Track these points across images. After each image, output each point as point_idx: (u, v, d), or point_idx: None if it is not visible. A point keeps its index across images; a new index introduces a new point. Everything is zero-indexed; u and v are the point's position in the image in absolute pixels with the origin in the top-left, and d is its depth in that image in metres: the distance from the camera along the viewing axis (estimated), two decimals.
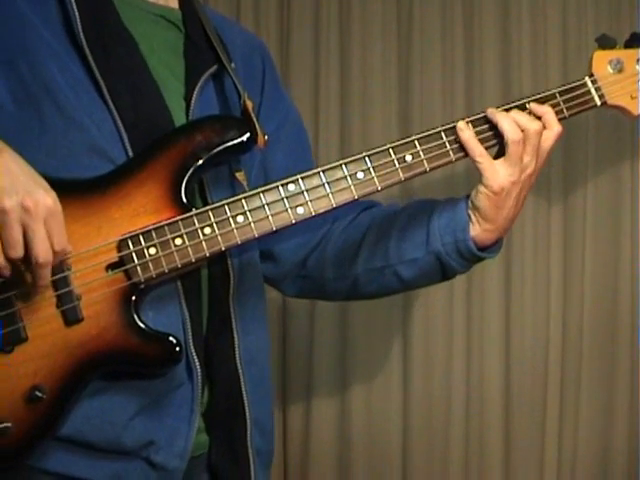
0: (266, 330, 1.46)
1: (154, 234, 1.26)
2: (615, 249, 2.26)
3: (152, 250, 1.26)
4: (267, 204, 1.30)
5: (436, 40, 2.28)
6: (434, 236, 1.40)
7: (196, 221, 1.27)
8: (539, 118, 1.37)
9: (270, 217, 1.30)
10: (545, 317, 2.27)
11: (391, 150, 1.34)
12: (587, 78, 1.42)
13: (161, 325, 1.26)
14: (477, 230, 1.38)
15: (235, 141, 1.31)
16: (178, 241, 1.27)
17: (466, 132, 1.35)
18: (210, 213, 1.28)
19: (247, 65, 1.51)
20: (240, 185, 1.39)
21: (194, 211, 1.27)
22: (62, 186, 1.23)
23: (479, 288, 2.28)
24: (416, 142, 1.35)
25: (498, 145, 1.37)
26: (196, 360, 1.30)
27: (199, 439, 1.34)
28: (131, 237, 1.25)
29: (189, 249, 1.27)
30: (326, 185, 1.32)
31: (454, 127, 1.36)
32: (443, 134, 1.36)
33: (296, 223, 1.31)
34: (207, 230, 1.28)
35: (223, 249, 1.28)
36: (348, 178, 1.33)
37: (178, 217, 1.27)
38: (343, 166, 1.33)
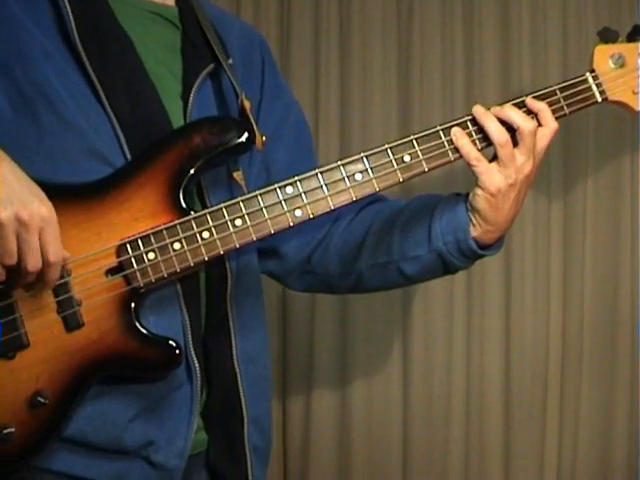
0: (264, 330, 1.47)
1: (153, 239, 1.26)
2: (615, 247, 2.25)
3: (151, 255, 1.26)
4: (265, 207, 1.30)
5: (436, 39, 2.26)
6: (436, 236, 1.40)
7: (194, 225, 1.27)
8: (535, 115, 1.35)
9: (268, 220, 1.30)
10: (545, 315, 2.28)
11: (389, 150, 1.33)
12: (588, 74, 1.40)
13: (161, 328, 1.27)
14: (478, 231, 1.37)
15: (233, 143, 1.30)
16: (177, 245, 1.27)
17: (461, 139, 1.34)
18: (208, 217, 1.28)
19: (246, 60, 1.50)
20: (238, 185, 1.38)
21: (192, 215, 1.28)
22: (60, 191, 1.24)
23: (479, 285, 2.28)
24: (414, 142, 1.34)
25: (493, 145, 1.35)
26: (195, 362, 1.32)
27: (198, 437, 1.36)
28: (130, 242, 1.26)
29: (188, 253, 1.27)
30: (324, 187, 1.32)
31: (452, 126, 1.35)
32: (442, 133, 1.35)
33: (294, 226, 1.31)
34: (205, 234, 1.28)
35: (222, 253, 1.29)
36: (346, 180, 1.32)
37: (176, 221, 1.27)
38: (341, 167, 1.32)
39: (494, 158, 1.35)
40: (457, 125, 1.35)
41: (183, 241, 1.27)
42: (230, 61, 1.43)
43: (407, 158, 1.34)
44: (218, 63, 1.41)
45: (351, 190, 1.32)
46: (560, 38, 2.23)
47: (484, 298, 2.29)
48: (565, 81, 1.39)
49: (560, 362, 2.28)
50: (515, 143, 1.34)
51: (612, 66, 1.40)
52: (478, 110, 1.35)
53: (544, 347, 2.28)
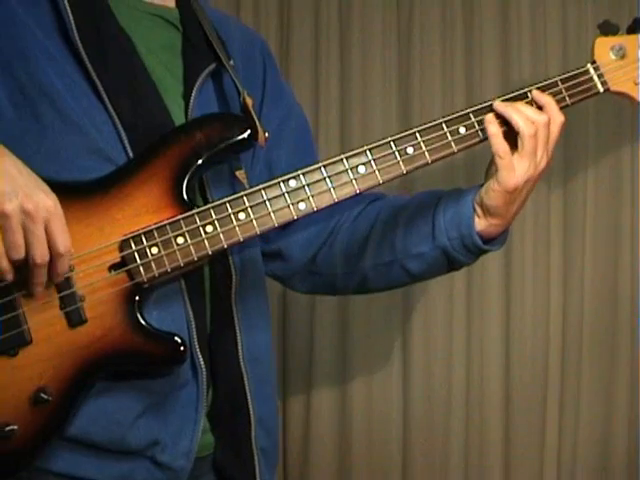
0: (269, 329, 1.45)
1: (156, 233, 1.26)
2: (615, 247, 2.24)
3: (154, 250, 1.25)
4: (268, 200, 1.29)
5: (436, 40, 2.26)
6: (439, 231, 1.39)
7: (198, 219, 1.27)
8: (540, 108, 1.35)
9: (272, 213, 1.29)
10: (545, 314, 2.26)
11: (392, 143, 1.33)
12: (589, 65, 1.40)
13: (166, 324, 1.26)
14: (483, 224, 1.37)
15: (235, 139, 1.30)
16: (180, 240, 1.26)
17: (493, 127, 1.33)
18: (211, 211, 1.27)
19: (247, 61, 1.51)
20: (240, 183, 1.38)
21: (195, 209, 1.27)
22: (63, 189, 1.23)
23: (479, 285, 2.27)
24: (417, 134, 1.34)
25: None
26: (201, 359, 1.30)
27: (205, 440, 1.34)
28: (133, 237, 1.25)
29: (191, 247, 1.26)
30: (327, 180, 1.31)
31: (455, 118, 1.34)
32: (444, 125, 1.35)
33: (298, 219, 1.30)
34: (209, 228, 1.27)
35: (225, 247, 1.28)
36: (349, 172, 1.32)
37: (180, 216, 1.26)
38: (344, 160, 1.32)
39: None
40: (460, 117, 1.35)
41: (186, 235, 1.26)
42: (232, 62, 1.44)
43: (410, 150, 1.33)
44: (219, 63, 1.41)
45: (354, 182, 1.32)
46: (560, 38, 2.23)
47: (484, 297, 2.27)
48: (567, 72, 1.39)
49: (560, 361, 2.25)
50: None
51: (613, 57, 1.41)
52: (500, 105, 1.34)
53: (544, 346, 2.25)
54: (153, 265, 1.25)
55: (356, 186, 1.32)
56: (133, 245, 1.25)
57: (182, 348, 1.25)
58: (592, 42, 1.42)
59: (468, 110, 1.36)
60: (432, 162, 1.34)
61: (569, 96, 1.38)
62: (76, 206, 1.25)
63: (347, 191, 1.32)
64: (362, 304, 2.26)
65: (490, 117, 1.34)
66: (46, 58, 1.28)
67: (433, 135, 1.34)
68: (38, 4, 1.31)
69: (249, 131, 1.31)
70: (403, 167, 1.33)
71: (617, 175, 2.24)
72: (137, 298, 1.25)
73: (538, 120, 1.32)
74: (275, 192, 1.30)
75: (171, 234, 1.26)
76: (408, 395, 2.29)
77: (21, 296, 1.21)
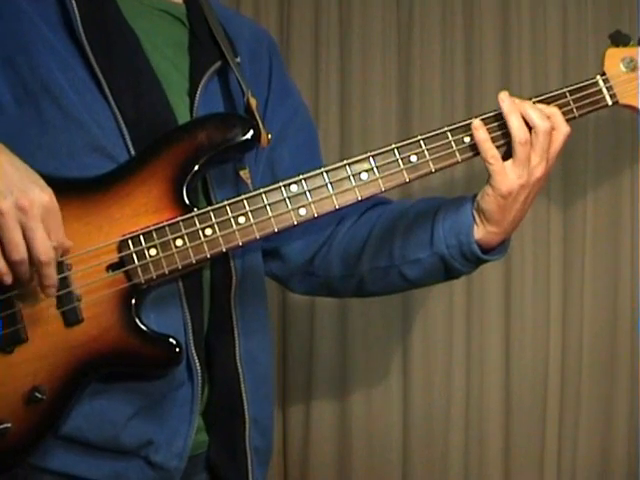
0: (268, 331, 1.45)
1: (155, 235, 1.25)
2: (615, 256, 2.24)
3: (152, 251, 1.25)
4: (269, 205, 1.28)
5: (436, 40, 2.25)
6: (438, 238, 1.38)
7: (197, 222, 1.26)
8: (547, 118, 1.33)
9: (272, 218, 1.28)
10: (545, 323, 2.26)
11: (396, 150, 1.32)
12: (599, 77, 1.38)
13: (162, 326, 1.26)
14: (482, 233, 1.35)
15: (238, 140, 1.29)
16: (179, 242, 1.26)
17: (481, 132, 1.32)
18: (211, 214, 1.27)
19: (254, 58, 1.49)
20: (244, 183, 1.37)
21: (195, 211, 1.26)
22: (63, 185, 1.22)
23: (479, 293, 2.27)
24: (422, 142, 1.32)
25: (506, 146, 1.33)
26: (196, 361, 1.30)
27: (199, 438, 1.34)
28: (132, 237, 1.24)
29: (190, 250, 1.26)
30: (329, 185, 1.30)
31: (460, 127, 1.33)
32: (449, 134, 1.33)
33: (298, 224, 1.29)
34: (208, 231, 1.26)
35: (224, 250, 1.27)
36: (351, 178, 1.31)
37: (179, 217, 1.26)
38: (347, 166, 1.31)
39: (505, 159, 1.32)
40: (464, 125, 1.33)
41: (185, 238, 1.26)
42: (238, 60, 1.43)
43: (414, 158, 1.32)
44: (225, 61, 1.40)
45: (356, 189, 1.31)
46: (560, 40, 2.22)
47: (484, 308, 2.28)
48: (575, 84, 1.37)
49: (560, 372, 2.26)
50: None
51: (623, 70, 1.38)
52: (505, 101, 1.32)
53: (544, 357, 2.26)
54: (151, 267, 1.24)
55: (358, 193, 1.31)
56: (131, 246, 1.24)
57: (177, 350, 1.25)
58: (602, 53, 1.40)
59: (479, 117, 1.34)
60: (436, 171, 1.33)
61: (577, 108, 1.36)
62: (76, 204, 1.24)
63: (349, 198, 1.31)
64: (362, 310, 2.26)
65: (477, 123, 1.32)
66: (50, 52, 1.27)
67: (437, 144, 1.33)
68: None
69: (252, 132, 1.30)
70: (406, 175, 1.32)
71: (617, 187, 2.23)
72: (134, 299, 1.24)
73: (539, 125, 1.31)
74: (276, 197, 1.29)
75: (170, 236, 1.25)
76: (408, 404, 2.29)
77: (18, 294, 1.21)
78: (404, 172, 1.32)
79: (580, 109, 1.37)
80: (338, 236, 1.49)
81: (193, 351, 1.30)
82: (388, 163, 1.32)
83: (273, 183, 1.30)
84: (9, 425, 1.20)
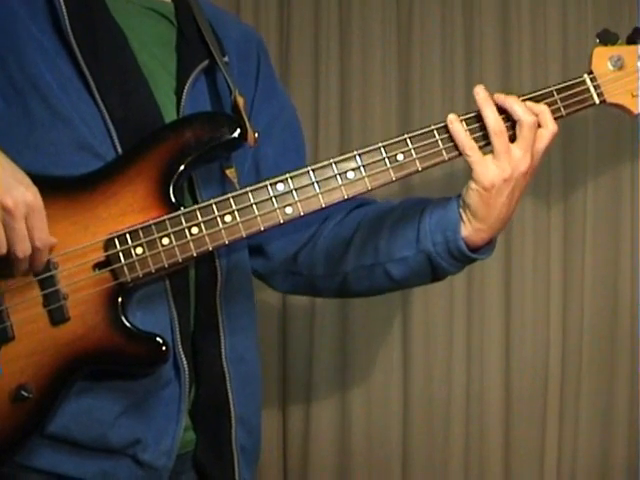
0: (255, 329, 1.45)
1: (141, 233, 1.25)
2: (615, 248, 2.24)
3: (139, 250, 1.25)
4: (255, 204, 1.28)
5: (436, 41, 2.26)
6: (424, 235, 1.37)
7: (183, 220, 1.26)
8: (535, 116, 1.33)
9: (258, 217, 1.28)
10: (545, 318, 2.26)
11: (382, 149, 1.32)
12: (586, 75, 1.37)
13: (149, 325, 1.26)
14: (468, 229, 1.34)
15: (225, 139, 1.29)
16: (165, 241, 1.26)
17: (456, 125, 1.32)
18: (198, 212, 1.27)
19: (242, 58, 1.49)
20: (230, 182, 1.36)
21: (182, 210, 1.26)
22: (49, 184, 1.23)
23: (479, 289, 2.27)
24: (408, 140, 1.32)
25: (490, 145, 1.33)
26: (183, 359, 1.30)
27: (186, 437, 1.34)
28: (118, 236, 1.25)
29: (176, 249, 1.26)
30: (315, 184, 1.30)
31: (446, 126, 1.33)
32: (436, 132, 1.33)
33: (284, 223, 1.29)
34: (194, 230, 1.26)
35: (210, 249, 1.27)
36: (338, 177, 1.30)
37: (165, 216, 1.26)
38: (333, 165, 1.31)
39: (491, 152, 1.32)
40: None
41: (172, 236, 1.26)
42: (226, 59, 1.43)
43: (400, 157, 1.32)
44: (213, 60, 1.40)
45: (343, 188, 1.30)
46: (560, 39, 2.22)
47: (484, 304, 2.28)
48: (563, 82, 1.37)
49: (560, 368, 2.27)
50: (514, 138, 1.32)
51: (611, 68, 1.38)
52: (480, 93, 1.33)
53: (544, 354, 2.26)
54: (137, 265, 1.25)
55: (344, 192, 1.31)
56: (118, 244, 1.24)
57: (164, 349, 1.25)
58: (590, 51, 1.39)
59: (461, 117, 1.34)
60: (422, 169, 1.33)
61: (564, 107, 1.35)
62: (62, 202, 1.25)
63: (335, 197, 1.31)
64: (362, 308, 2.27)
65: (452, 117, 1.32)
66: (38, 51, 1.27)
67: (424, 142, 1.32)
68: None
69: (239, 131, 1.30)
70: (392, 174, 1.32)
71: (617, 183, 2.23)
72: (120, 298, 1.24)
73: (523, 119, 1.30)
74: (263, 195, 1.29)
75: (156, 235, 1.25)
76: (408, 399, 2.30)
77: (4, 292, 1.21)
78: (390, 171, 1.32)
79: (567, 108, 1.36)
80: (323, 233, 1.49)
81: (180, 349, 1.30)
82: (374, 162, 1.31)
83: (259, 182, 1.30)
84: None
